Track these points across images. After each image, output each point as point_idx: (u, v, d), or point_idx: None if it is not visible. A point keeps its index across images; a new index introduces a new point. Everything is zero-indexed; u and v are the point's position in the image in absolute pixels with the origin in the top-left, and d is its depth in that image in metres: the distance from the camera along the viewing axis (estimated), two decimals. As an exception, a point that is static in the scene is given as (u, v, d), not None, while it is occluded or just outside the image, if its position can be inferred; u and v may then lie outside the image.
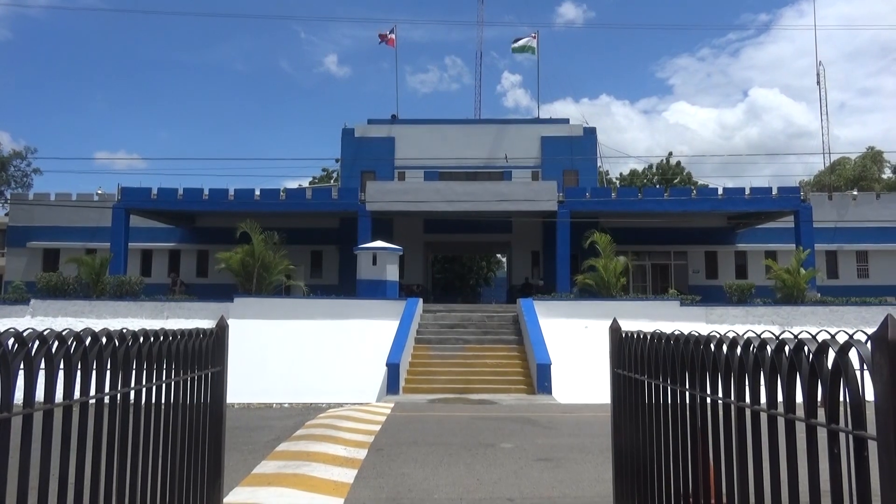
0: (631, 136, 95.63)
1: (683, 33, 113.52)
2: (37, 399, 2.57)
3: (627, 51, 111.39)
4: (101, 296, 23.12)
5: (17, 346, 2.46)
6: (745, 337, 3.06)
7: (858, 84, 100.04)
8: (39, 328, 2.71)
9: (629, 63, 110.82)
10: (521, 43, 35.87)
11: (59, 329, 2.83)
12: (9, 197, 42.64)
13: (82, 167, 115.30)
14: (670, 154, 50.72)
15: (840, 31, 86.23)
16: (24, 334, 2.52)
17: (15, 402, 2.46)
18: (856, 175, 48.01)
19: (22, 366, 2.47)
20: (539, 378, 17.64)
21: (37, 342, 2.59)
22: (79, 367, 2.85)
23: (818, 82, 39.87)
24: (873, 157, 49.51)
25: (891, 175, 50.38)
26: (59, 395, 2.74)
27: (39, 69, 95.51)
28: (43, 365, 2.62)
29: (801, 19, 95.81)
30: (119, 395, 3.22)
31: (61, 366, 2.75)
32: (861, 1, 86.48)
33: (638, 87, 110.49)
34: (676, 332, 3.91)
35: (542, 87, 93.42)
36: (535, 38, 36.00)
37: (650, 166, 50.56)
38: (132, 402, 3.40)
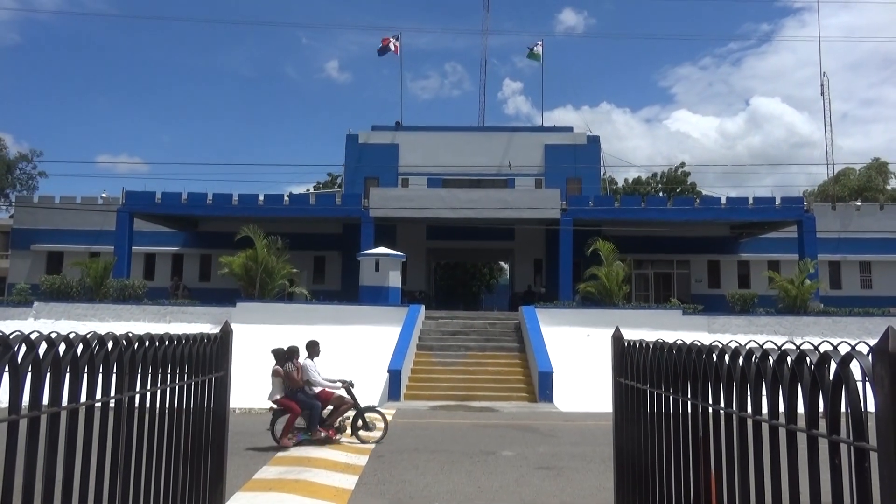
0: (632, 143, 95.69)
1: (685, 42, 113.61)
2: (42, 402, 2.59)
3: (628, 59, 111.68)
4: (104, 299, 23.17)
5: (25, 349, 2.49)
6: (748, 347, 3.07)
7: (860, 95, 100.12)
8: (43, 331, 2.73)
9: (630, 71, 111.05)
10: (534, 50, 36.18)
11: (62, 332, 2.85)
12: (14, 199, 42.83)
13: (87, 171, 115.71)
14: (682, 164, 50.72)
15: (841, 41, 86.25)
16: (32, 338, 2.55)
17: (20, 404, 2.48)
18: (860, 186, 47.96)
19: (30, 369, 2.49)
20: (541, 386, 17.61)
21: (44, 345, 2.62)
22: (85, 370, 2.87)
23: (822, 93, 39.85)
24: (878, 168, 49.46)
25: (895, 186, 50.31)
26: (62, 398, 2.76)
27: (46, 72, 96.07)
28: (50, 368, 2.64)
29: (802, 29, 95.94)
30: (124, 398, 3.24)
31: (67, 369, 2.77)
32: (862, 11, 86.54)
33: (639, 95, 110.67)
34: (679, 342, 3.92)
35: (543, 95, 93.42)
36: (540, 45, 36.18)
37: (654, 175, 50.58)
38: (137, 405, 3.42)
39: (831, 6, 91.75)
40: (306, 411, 10.06)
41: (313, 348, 10.85)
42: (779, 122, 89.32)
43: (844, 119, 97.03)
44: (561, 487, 7.67)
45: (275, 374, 10.34)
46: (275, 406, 10.22)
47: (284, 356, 10.44)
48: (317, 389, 10.34)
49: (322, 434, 10.09)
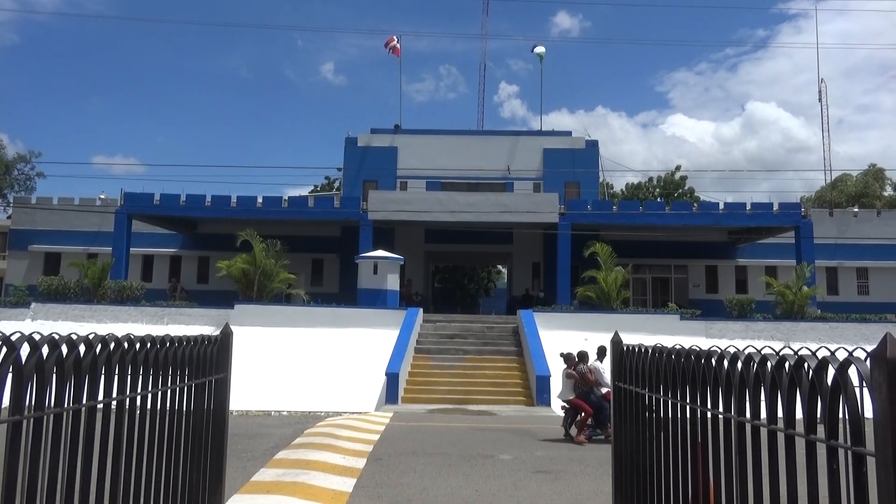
0: (628, 147, 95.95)
1: (681, 48, 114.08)
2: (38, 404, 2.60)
3: (625, 64, 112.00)
4: (101, 300, 23.13)
5: (29, 350, 2.50)
6: (746, 352, 3.09)
7: (856, 101, 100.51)
8: (41, 332, 2.74)
9: (626, 76, 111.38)
10: (537, 49, 36.68)
11: (61, 333, 2.86)
12: (11, 200, 42.74)
13: (85, 172, 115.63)
14: (678, 167, 50.77)
15: (837, 48, 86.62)
16: (36, 339, 2.56)
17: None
18: (857, 192, 48.11)
19: (34, 370, 2.50)
20: (538, 390, 17.61)
21: (46, 347, 2.63)
22: (87, 372, 2.88)
23: (820, 99, 40.07)
24: (875, 175, 49.63)
25: (892, 192, 50.48)
26: (65, 399, 2.77)
27: (45, 73, 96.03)
28: (54, 370, 2.65)
29: (798, 35, 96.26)
30: (126, 400, 3.25)
31: (72, 371, 2.78)
32: (858, 18, 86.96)
33: (635, 99, 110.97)
34: (677, 347, 3.94)
35: (538, 98, 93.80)
36: (542, 46, 36.60)
37: (650, 179, 50.65)
38: (138, 407, 3.43)
39: (827, 13, 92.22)
40: (595, 410, 10.95)
41: (602, 353, 11.79)
42: (775, 127, 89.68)
43: (840, 125, 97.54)
44: (559, 491, 7.67)
45: (568, 376, 11.37)
46: (566, 405, 11.20)
47: (574, 360, 11.45)
48: (604, 390, 11.14)
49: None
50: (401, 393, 17.67)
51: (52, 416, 2.62)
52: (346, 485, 7.66)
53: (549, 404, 17.23)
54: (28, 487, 2.45)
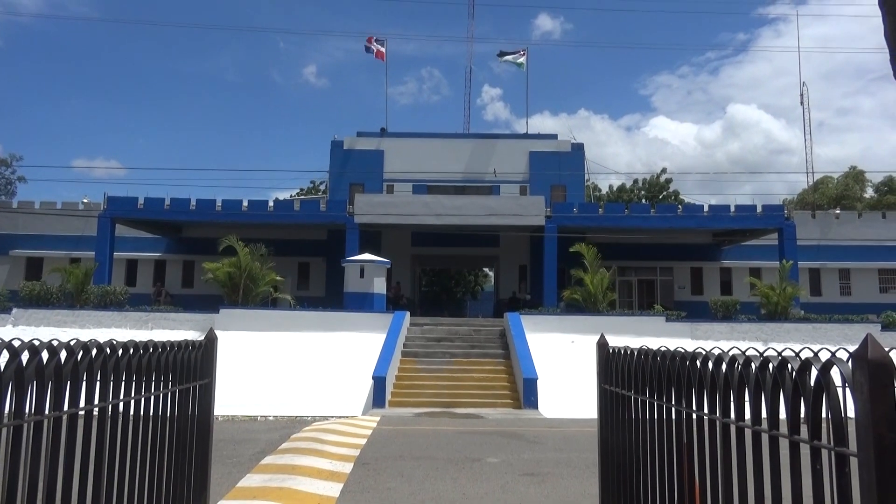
0: (611, 150, 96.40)
1: (663, 51, 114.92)
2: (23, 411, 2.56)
3: (607, 67, 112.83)
4: (84, 306, 22.88)
5: (8, 357, 2.46)
6: (731, 354, 3.11)
7: (836, 104, 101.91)
8: (23, 338, 2.70)
9: (609, 79, 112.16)
10: (510, 57, 36.26)
11: (43, 339, 2.82)
12: (-8, 204, 42.18)
13: (68, 176, 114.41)
14: (664, 170, 51.13)
15: (817, 52, 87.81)
16: (16, 346, 2.52)
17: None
18: (838, 194, 48.73)
19: (13, 377, 2.46)
20: (525, 392, 17.64)
21: (26, 354, 2.59)
22: (69, 378, 2.84)
23: (802, 102, 40.56)
24: (855, 177, 50.29)
25: (872, 194, 51.18)
26: (46, 407, 2.73)
27: (26, 76, 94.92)
28: (34, 377, 2.61)
29: (778, 39, 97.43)
30: (108, 406, 3.21)
31: (52, 378, 2.74)
32: (837, 22, 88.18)
33: (618, 102, 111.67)
34: (663, 349, 3.96)
35: (522, 101, 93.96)
36: (524, 54, 36.39)
37: (635, 182, 50.98)
38: (120, 413, 3.39)
39: (807, 18, 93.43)
40: None
41: None
42: (756, 130, 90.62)
43: (820, 127, 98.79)
44: (546, 494, 7.68)
45: None
46: None
47: None
48: None
49: None
50: (388, 397, 17.62)
51: (31, 424, 2.58)
52: (333, 490, 7.62)
53: (536, 407, 17.27)
54: (7, 496, 2.41)
